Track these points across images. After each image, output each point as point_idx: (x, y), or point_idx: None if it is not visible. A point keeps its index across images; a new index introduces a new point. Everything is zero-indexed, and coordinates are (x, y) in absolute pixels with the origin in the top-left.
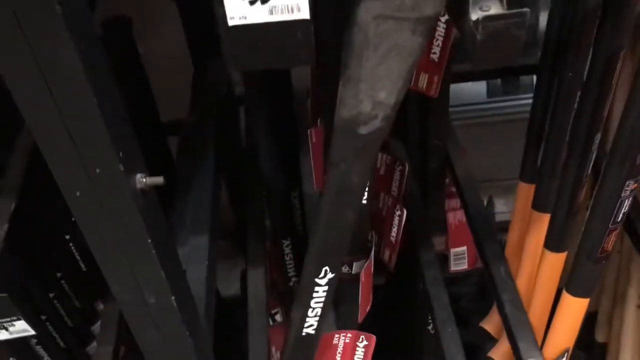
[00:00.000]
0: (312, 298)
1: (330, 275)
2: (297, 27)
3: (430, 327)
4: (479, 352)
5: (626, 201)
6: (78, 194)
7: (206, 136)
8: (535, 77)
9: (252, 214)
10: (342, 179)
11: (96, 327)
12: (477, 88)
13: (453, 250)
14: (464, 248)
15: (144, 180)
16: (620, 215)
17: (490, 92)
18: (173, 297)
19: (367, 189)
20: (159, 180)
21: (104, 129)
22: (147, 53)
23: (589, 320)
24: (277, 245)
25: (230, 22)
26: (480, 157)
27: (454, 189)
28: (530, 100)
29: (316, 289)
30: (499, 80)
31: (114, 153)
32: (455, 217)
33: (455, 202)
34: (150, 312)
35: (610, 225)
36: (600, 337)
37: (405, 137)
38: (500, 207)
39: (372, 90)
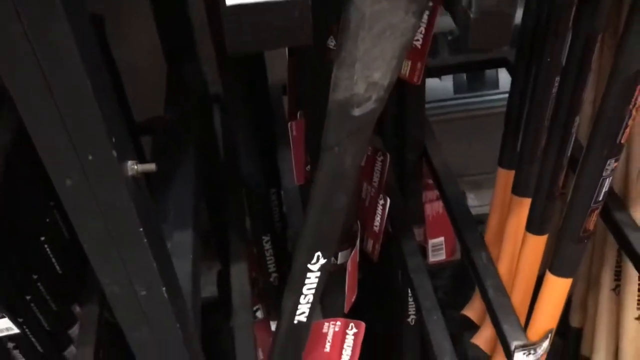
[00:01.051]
0: (304, 285)
1: (322, 261)
2: (295, 6)
3: (410, 319)
4: (456, 343)
5: (607, 180)
6: (69, 182)
7: (185, 133)
8: (498, 72)
9: (232, 211)
10: (335, 163)
11: (73, 331)
12: (443, 85)
13: (431, 241)
14: (442, 239)
15: (135, 167)
16: (602, 194)
17: (457, 89)
18: (164, 288)
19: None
20: (151, 167)
21: (99, 114)
22: (119, 51)
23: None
24: (257, 242)
25: (229, 2)
26: (449, 153)
27: (430, 181)
28: (496, 96)
29: (308, 275)
30: (464, 77)
31: (107, 139)
32: (433, 208)
33: (432, 194)
34: (141, 304)
35: (592, 205)
36: (574, 321)
37: (382, 129)
38: (472, 202)
39: (367, 71)
